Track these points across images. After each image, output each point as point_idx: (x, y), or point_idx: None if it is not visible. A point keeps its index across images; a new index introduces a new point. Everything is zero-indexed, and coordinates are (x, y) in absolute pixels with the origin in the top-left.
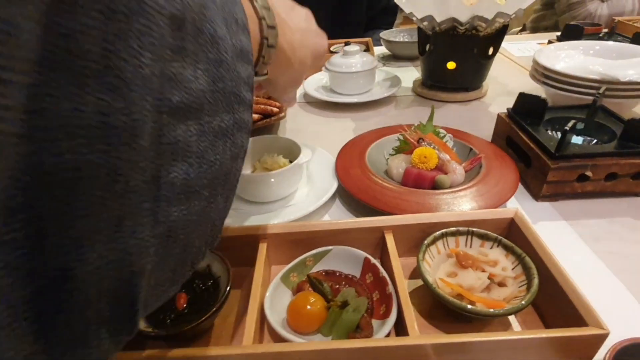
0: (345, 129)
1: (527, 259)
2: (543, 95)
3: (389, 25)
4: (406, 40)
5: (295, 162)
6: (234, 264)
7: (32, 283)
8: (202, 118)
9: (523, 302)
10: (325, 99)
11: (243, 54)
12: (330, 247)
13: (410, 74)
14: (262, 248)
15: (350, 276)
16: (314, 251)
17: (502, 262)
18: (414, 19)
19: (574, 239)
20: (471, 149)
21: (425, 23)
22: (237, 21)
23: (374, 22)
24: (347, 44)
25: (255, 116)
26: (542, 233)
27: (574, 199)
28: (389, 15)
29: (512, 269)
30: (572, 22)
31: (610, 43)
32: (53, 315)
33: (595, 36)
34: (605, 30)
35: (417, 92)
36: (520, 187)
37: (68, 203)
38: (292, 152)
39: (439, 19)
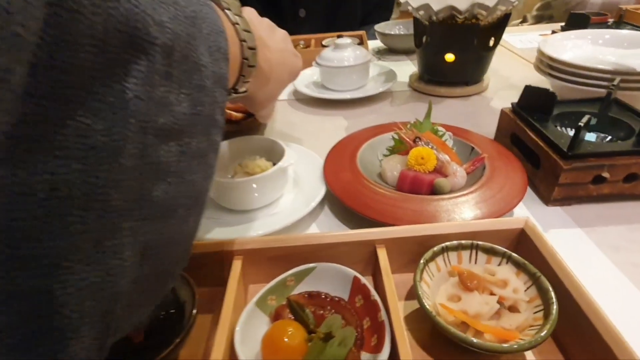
0: (337, 127)
1: (543, 279)
2: (549, 88)
3: (385, 20)
4: (402, 32)
5: (278, 165)
6: (207, 284)
7: (11, 307)
8: (183, 139)
9: (541, 334)
10: (315, 96)
11: (221, 80)
12: (314, 265)
13: (406, 68)
14: (236, 266)
15: (337, 299)
16: (295, 269)
17: (513, 282)
18: (410, 8)
19: (591, 249)
20: (473, 148)
21: (421, 12)
22: (219, 50)
23: (370, 18)
24: (339, 37)
25: (239, 114)
26: (554, 243)
27: (588, 202)
28: (384, 10)
29: (525, 290)
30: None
31: (622, 31)
32: (32, 340)
33: (602, 25)
34: (612, 20)
35: (414, 87)
36: (529, 190)
37: (45, 222)
38: (275, 154)
39: (436, 8)
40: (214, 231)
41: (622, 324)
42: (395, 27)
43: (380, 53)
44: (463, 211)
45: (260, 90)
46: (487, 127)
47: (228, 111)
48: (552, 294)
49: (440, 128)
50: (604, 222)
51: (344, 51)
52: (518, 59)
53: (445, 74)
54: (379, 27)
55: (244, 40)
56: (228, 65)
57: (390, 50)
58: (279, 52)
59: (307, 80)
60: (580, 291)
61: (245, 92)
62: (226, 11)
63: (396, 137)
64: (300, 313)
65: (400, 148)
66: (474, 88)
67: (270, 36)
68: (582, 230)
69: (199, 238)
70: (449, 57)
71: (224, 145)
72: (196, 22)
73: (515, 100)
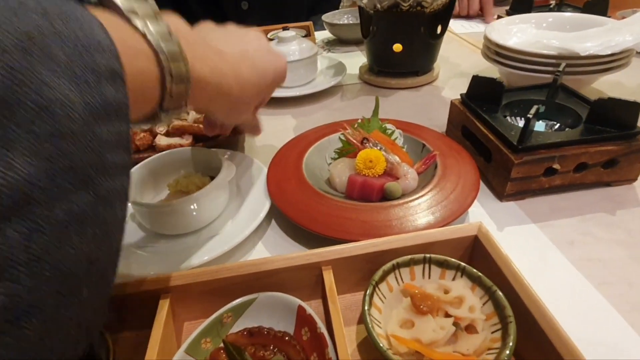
0: (285, 128)
1: (499, 294)
2: (497, 75)
3: (334, 10)
4: (351, 22)
5: (215, 181)
6: (133, 327)
7: None
8: (34, 212)
9: (501, 358)
10: None
11: (108, 110)
12: (254, 296)
13: (357, 60)
14: (163, 306)
15: (280, 334)
16: (233, 303)
17: (469, 299)
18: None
19: (546, 246)
20: (424, 145)
21: (365, 1)
22: (97, 72)
23: (318, 7)
24: (284, 29)
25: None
26: (510, 241)
27: (541, 195)
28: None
29: (482, 305)
30: None
31: (564, 14)
32: None
33: (545, 8)
34: (554, 2)
35: (364, 79)
36: (482, 186)
37: None
38: (212, 167)
39: None
40: (140, 262)
41: (579, 324)
42: (344, 16)
43: (329, 44)
44: (416, 218)
45: (215, 103)
46: (440, 119)
47: (206, 130)
48: (509, 311)
49: (389, 126)
50: (557, 214)
51: (289, 45)
52: (465, 45)
53: (394, 64)
54: (327, 17)
55: (161, 51)
56: (121, 86)
57: (340, 41)
58: (245, 58)
59: None
60: (538, 305)
61: (182, 108)
62: (130, 16)
63: (343, 138)
64: (237, 358)
65: (348, 150)
66: (424, 78)
67: (227, 41)
68: (536, 225)
69: (125, 274)
70: (397, 47)
71: (152, 161)
72: (37, 43)
73: (466, 89)
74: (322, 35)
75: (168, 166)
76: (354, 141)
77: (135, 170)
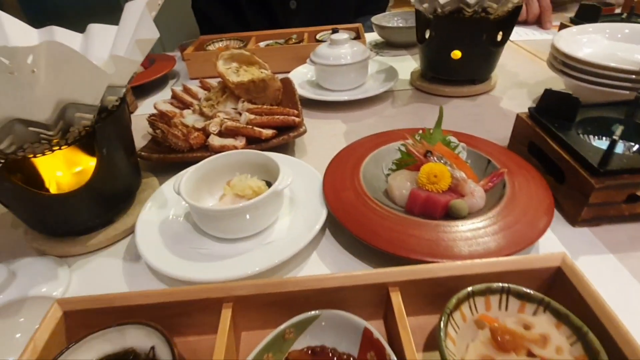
0: (335, 133)
1: (591, 336)
2: (562, 86)
3: (382, 11)
4: (401, 25)
5: (272, 188)
6: (195, 333)
7: None
8: None
9: None
10: (311, 97)
11: None
12: (317, 312)
13: (407, 65)
14: (226, 315)
15: (345, 357)
16: (295, 319)
17: (555, 339)
18: (412, 0)
19: (628, 281)
20: (489, 162)
21: (425, 5)
22: None
23: (365, 7)
24: (334, 31)
25: (269, 132)
26: (585, 272)
27: (619, 223)
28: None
29: (570, 345)
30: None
31: None
32: None
33: (615, 17)
34: (620, 10)
35: (417, 85)
36: None
37: None
38: (268, 171)
39: (442, 0)
40: (199, 265)
41: None
42: (394, 18)
43: (378, 47)
44: (485, 241)
45: None
46: (499, 132)
47: (257, 129)
48: (604, 355)
49: (452, 139)
50: (639, 246)
51: (340, 47)
52: (523, 53)
53: (450, 71)
54: (376, 19)
55: None
56: None
57: (389, 44)
58: None
59: (300, 78)
60: (636, 353)
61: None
62: None
63: (403, 149)
64: None
65: (408, 161)
66: (481, 87)
67: None
68: (614, 256)
69: (187, 278)
70: (456, 53)
71: (209, 162)
72: None
73: (526, 100)
74: (370, 37)
75: (224, 167)
76: (417, 154)
77: (192, 171)
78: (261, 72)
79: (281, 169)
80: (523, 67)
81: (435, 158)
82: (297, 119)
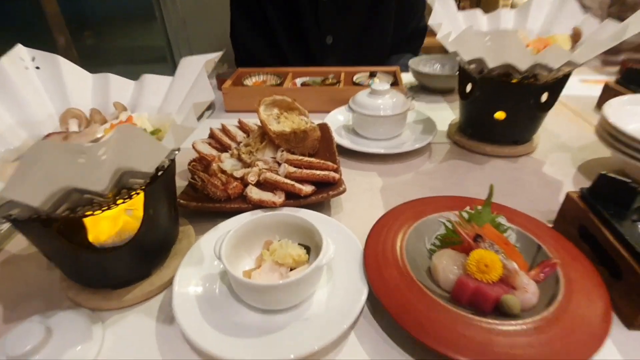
0: (371, 188)
1: None
2: (609, 154)
3: (416, 50)
4: (437, 72)
5: (315, 263)
6: None
7: None
8: None
9: None
10: (348, 146)
11: None
12: None
13: (443, 114)
14: None
15: None
16: None
17: None
18: (458, 59)
19: None
20: (540, 247)
21: (472, 66)
22: None
23: (399, 47)
24: (372, 74)
25: (309, 189)
26: None
27: None
28: (416, 39)
29: None
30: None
31: None
32: None
33: None
34: None
35: (455, 139)
36: None
37: None
38: (308, 235)
39: (491, 64)
40: (234, 341)
41: None
42: (431, 62)
43: (413, 90)
44: (543, 350)
45: None
46: (542, 202)
47: (297, 186)
48: None
49: (502, 220)
50: None
51: (381, 98)
52: (567, 112)
53: (492, 131)
54: (413, 62)
55: None
56: None
57: (424, 88)
58: None
59: (336, 123)
60: None
61: None
62: None
63: (449, 225)
64: None
65: (453, 239)
66: (523, 148)
67: None
68: None
69: (217, 353)
70: (500, 114)
71: (248, 224)
72: None
73: (570, 167)
74: (405, 78)
75: (264, 228)
76: (466, 237)
77: (232, 233)
78: (301, 120)
79: (324, 240)
80: (565, 127)
81: (486, 245)
82: (336, 176)
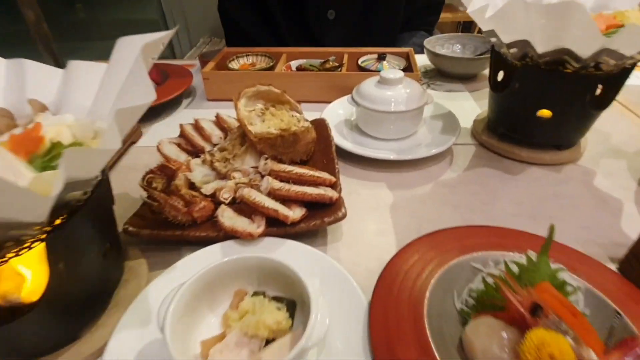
0: (378, 205)
1: None
2: None
3: (430, 26)
4: (458, 54)
5: (299, 347)
6: None
7: None
8: None
9: None
10: (350, 149)
11: None
12: None
13: (465, 105)
14: None
15: None
16: None
17: None
18: (493, 39)
19: None
20: (619, 316)
21: (513, 50)
22: None
23: (412, 22)
24: (381, 56)
25: (297, 214)
26: None
27: None
28: (431, 13)
29: None
30: None
31: None
32: None
33: None
34: None
35: (481, 140)
36: None
37: None
38: (293, 287)
39: (541, 49)
40: None
41: None
42: (449, 42)
43: (428, 76)
44: None
45: None
46: (598, 229)
47: (282, 211)
48: None
49: (567, 277)
50: None
51: (391, 88)
52: (616, 105)
53: (532, 132)
54: (429, 42)
55: None
56: None
57: (441, 73)
58: None
59: (337, 117)
60: None
61: None
62: None
63: (489, 280)
64: None
65: (494, 301)
66: (567, 154)
67: None
68: None
69: None
70: (545, 112)
71: (210, 272)
72: None
73: (628, 179)
74: (419, 60)
75: (233, 275)
76: (520, 308)
77: (187, 287)
78: (292, 117)
79: (312, 303)
80: (616, 125)
81: (549, 322)
82: (334, 196)
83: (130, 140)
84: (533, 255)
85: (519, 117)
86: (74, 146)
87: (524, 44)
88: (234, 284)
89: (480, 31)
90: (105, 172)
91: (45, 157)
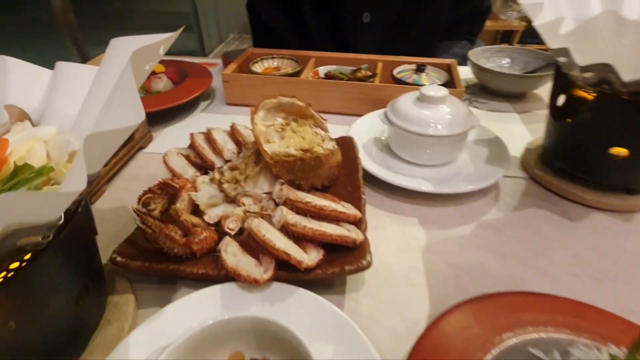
0: (408, 247)
1: None
2: None
3: (473, 36)
4: (506, 69)
5: None
6: None
7: None
8: None
9: None
10: (379, 175)
11: None
12: None
13: (513, 131)
14: None
15: None
16: None
17: None
18: (562, 59)
19: None
20: None
21: (589, 75)
22: None
23: (454, 30)
24: (420, 67)
25: (313, 259)
26: None
27: None
28: (476, 21)
29: None
30: None
31: None
32: None
33: None
34: None
35: (534, 175)
36: None
37: None
38: (295, 353)
39: (628, 76)
40: None
41: None
42: (496, 55)
43: (470, 91)
44: None
45: None
46: None
47: (295, 256)
48: None
49: None
50: None
51: (432, 108)
52: None
53: (599, 172)
54: (474, 54)
55: None
56: None
57: (485, 89)
58: None
59: (365, 135)
60: None
61: None
62: None
63: None
64: None
65: None
66: (638, 201)
67: None
68: None
69: None
70: (620, 151)
71: (205, 332)
72: None
73: None
74: (462, 73)
75: (224, 337)
76: None
77: (171, 351)
78: (316, 136)
79: None
80: None
81: None
82: (358, 238)
83: (139, 145)
84: (616, 351)
85: (586, 152)
86: (44, 171)
87: (605, 69)
88: (229, 345)
89: (521, 42)
90: (83, 202)
91: (6, 184)
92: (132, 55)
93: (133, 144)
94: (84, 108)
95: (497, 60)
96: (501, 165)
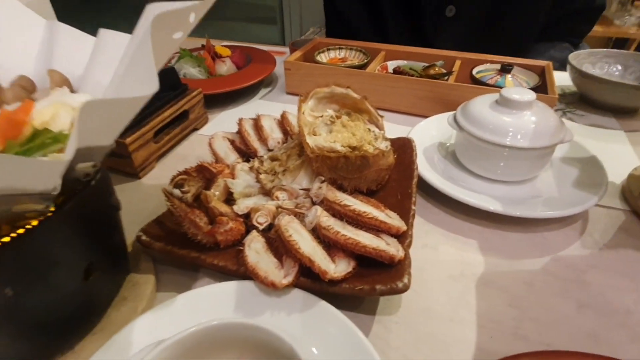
0: (462, 273)
1: None
2: None
3: (577, 38)
4: (616, 77)
5: None
6: None
7: None
8: None
9: None
10: (438, 186)
11: None
12: None
13: (617, 152)
14: None
15: None
16: None
17: None
18: None
19: None
20: None
21: None
22: None
23: (554, 30)
24: (506, 67)
25: (341, 271)
26: None
27: None
28: (584, 21)
29: None
30: None
31: None
32: None
33: None
34: None
35: (637, 207)
36: None
37: None
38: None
39: None
40: None
41: None
42: (604, 60)
43: (565, 99)
44: None
45: None
46: None
47: (320, 264)
48: None
49: None
50: None
51: (515, 114)
52: None
53: None
54: (576, 57)
55: None
56: None
57: (585, 99)
58: None
59: (429, 139)
60: None
61: None
62: None
63: None
64: None
65: None
66: None
67: None
68: None
69: None
70: None
71: (202, 334)
72: None
73: None
74: (558, 79)
75: (226, 342)
76: None
77: (161, 350)
78: (369, 132)
79: None
80: None
81: None
82: (397, 255)
83: (193, 125)
84: None
85: None
86: (60, 139)
87: None
88: (228, 351)
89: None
90: (99, 175)
91: (24, 146)
92: (154, 20)
93: (187, 124)
94: (113, 77)
95: (605, 66)
96: (594, 192)
